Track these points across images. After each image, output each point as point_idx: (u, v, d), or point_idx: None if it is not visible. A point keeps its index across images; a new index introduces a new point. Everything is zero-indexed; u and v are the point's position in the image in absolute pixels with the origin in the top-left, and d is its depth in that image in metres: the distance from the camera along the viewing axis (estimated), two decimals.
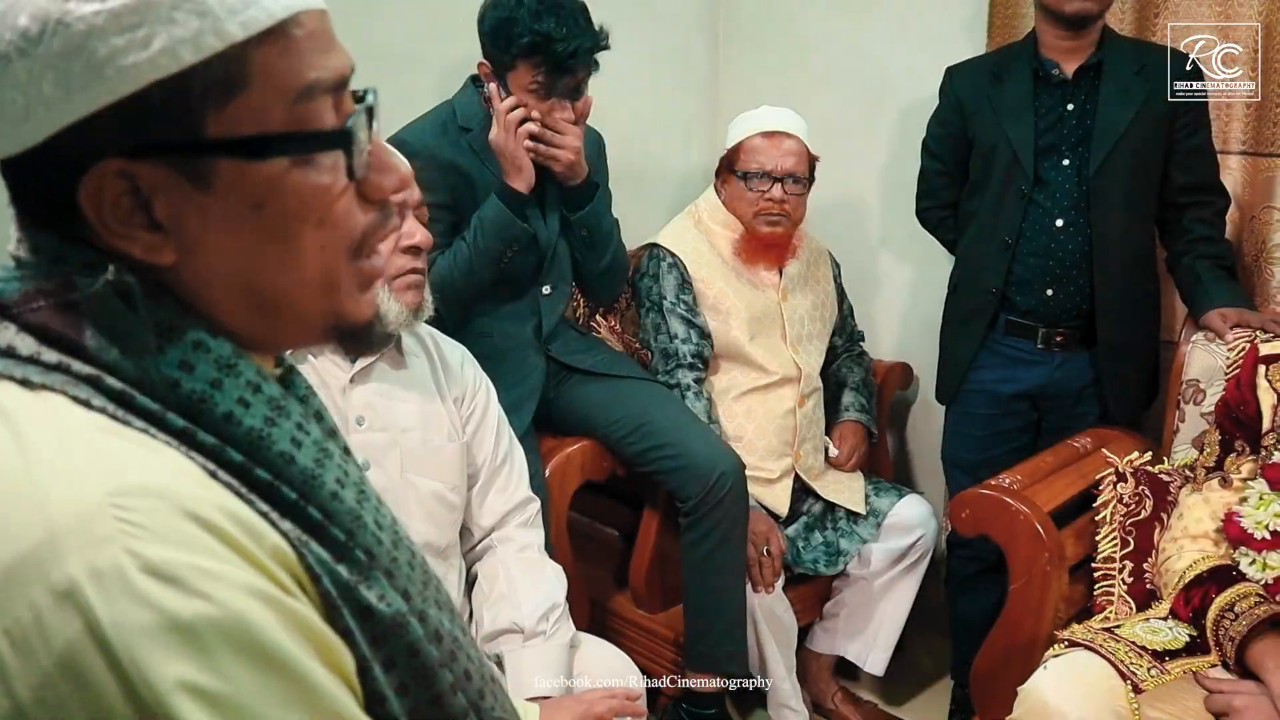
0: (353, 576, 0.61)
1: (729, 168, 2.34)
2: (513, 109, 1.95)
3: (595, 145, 2.21)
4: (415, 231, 1.53)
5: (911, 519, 2.35)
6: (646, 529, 2.23)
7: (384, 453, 1.55)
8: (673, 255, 2.30)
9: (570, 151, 2.00)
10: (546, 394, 2.14)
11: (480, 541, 1.71)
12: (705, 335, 2.28)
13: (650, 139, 2.99)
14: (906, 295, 2.82)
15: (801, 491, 2.35)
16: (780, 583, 2.20)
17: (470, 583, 1.70)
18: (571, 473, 2.09)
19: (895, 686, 2.60)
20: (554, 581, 1.67)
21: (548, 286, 2.14)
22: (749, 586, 2.13)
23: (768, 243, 2.30)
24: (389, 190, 0.67)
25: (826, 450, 2.44)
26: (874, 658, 2.39)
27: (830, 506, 2.36)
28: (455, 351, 1.73)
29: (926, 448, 2.69)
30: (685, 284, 2.29)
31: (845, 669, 2.50)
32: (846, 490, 2.37)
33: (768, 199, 2.27)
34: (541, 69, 1.93)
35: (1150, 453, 2.03)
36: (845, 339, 2.58)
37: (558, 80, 1.95)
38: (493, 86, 1.98)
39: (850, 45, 2.80)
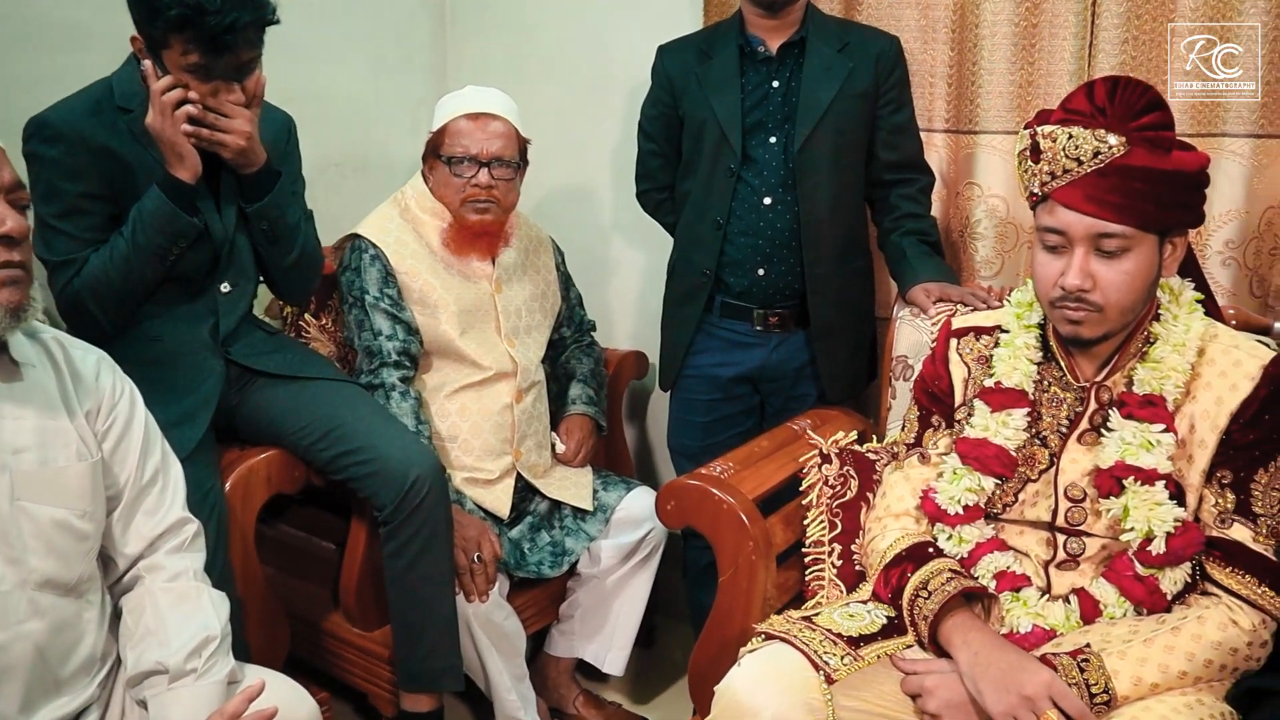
0: None
1: (434, 153, 2.19)
2: (167, 90, 1.75)
3: (281, 129, 2.03)
4: (5, 218, 1.32)
5: (640, 512, 2.27)
6: (355, 541, 2.07)
7: None
8: (375, 247, 2.14)
9: (239, 137, 1.81)
10: (227, 401, 1.94)
11: (126, 572, 1.52)
12: (413, 331, 2.14)
13: (373, 124, 2.83)
14: (638, 282, 2.75)
15: (526, 490, 2.23)
16: (499, 589, 2.08)
17: (116, 619, 1.51)
18: (256, 485, 1.90)
19: (643, 684, 2.54)
20: (209, 611, 1.49)
21: (226, 284, 1.94)
22: (461, 596, 2.00)
23: (477, 231, 2.17)
24: None
25: (554, 446, 2.33)
26: (612, 657, 2.32)
27: (556, 505, 2.26)
28: (89, 358, 1.52)
29: (664, 437, 2.63)
30: (389, 277, 2.14)
31: (594, 671, 2.40)
32: (572, 487, 2.28)
33: (474, 185, 2.14)
34: (196, 46, 1.72)
35: (858, 432, 2.00)
36: (574, 329, 2.48)
37: (216, 59, 1.74)
38: (147, 64, 1.77)
39: (575, 26, 2.71)
